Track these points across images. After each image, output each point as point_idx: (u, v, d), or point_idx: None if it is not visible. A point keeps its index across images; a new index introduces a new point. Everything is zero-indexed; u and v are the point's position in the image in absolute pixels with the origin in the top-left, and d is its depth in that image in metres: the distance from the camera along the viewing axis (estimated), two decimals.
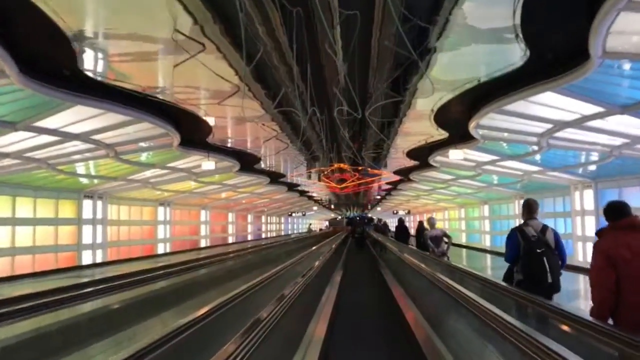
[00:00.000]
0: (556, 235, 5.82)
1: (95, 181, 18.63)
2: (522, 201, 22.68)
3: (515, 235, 5.84)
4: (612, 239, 4.18)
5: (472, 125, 12.73)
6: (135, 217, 24.61)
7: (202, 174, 20.62)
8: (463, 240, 36.28)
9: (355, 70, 8.65)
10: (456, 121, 13.45)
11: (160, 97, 10.34)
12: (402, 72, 9.19)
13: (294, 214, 58.65)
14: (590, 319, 3.87)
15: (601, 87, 9.02)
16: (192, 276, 12.95)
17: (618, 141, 12.16)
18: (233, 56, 7.72)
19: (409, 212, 52.94)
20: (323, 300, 9.89)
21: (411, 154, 19.43)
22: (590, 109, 9.85)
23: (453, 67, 9.19)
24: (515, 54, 7.95)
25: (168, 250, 26.32)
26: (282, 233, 59.20)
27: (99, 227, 19.76)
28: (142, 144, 14.42)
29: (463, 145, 14.96)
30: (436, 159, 18.87)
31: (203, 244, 32.70)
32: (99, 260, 19.35)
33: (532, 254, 5.63)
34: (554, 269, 5.57)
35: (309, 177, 26.19)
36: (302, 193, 39.54)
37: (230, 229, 39.67)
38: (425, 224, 15.52)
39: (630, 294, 3.94)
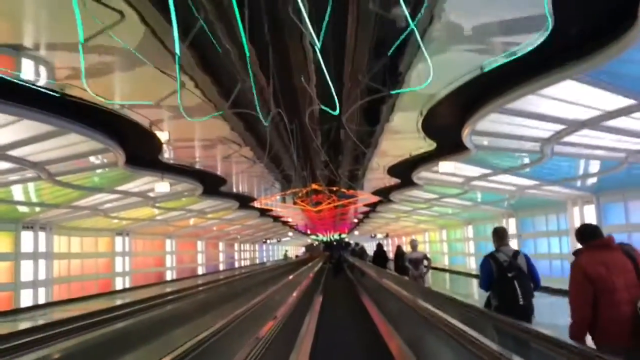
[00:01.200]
0: (528, 259, 5.99)
1: (37, 209, 16.30)
2: (510, 220, 21.36)
3: (488, 262, 5.99)
4: (588, 257, 4.42)
5: (465, 132, 10.94)
6: (89, 249, 22.15)
7: (159, 198, 18.47)
8: (445, 263, 34.50)
9: (330, 54, 6.76)
10: (446, 128, 11.65)
11: (86, 100, 8.26)
12: (388, 59, 7.33)
13: (268, 241, 56.51)
14: (563, 339, 3.99)
15: (637, 70, 7.25)
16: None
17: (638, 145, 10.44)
18: (165, 30, 5.75)
19: (387, 236, 51.23)
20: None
21: (392, 170, 17.61)
22: (617, 102, 8.07)
23: (451, 51, 7.36)
24: (535, 26, 6.15)
25: (127, 285, 23.82)
26: (257, 261, 56.85)
27: (42, 262, 17.28)
28: (80, 164, 12.26)
29: (454, 157, 13.15)
30: (420, 175, 17.08)
31: (169, 276, 30.24)
32: (41, 300, 16.86)
33: (505, 279, 5.80)
34: (525, 291, 5.76)
35: (283, 200, 24.17)
36: (276, 219, 37.46)
37: (200, 258, 37.18)
38: (406, 248, 15.27)
39: (606, 308, 4.18)
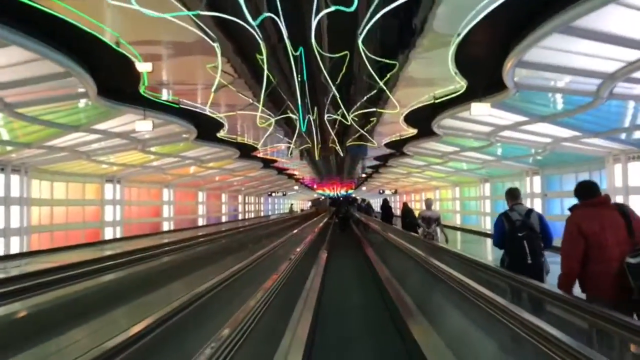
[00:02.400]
0: (541, 218, 6.10)
1: (9, 148, 14.44)
2: (534, 177, 19.39)
3: (501, 221, 6.15)
4: (583, 214, 4.56)
5: (509, 64, 8.88)
6: (75, 195, 20.42)
7: (149, 142, 16.59)
8: (457, 222, 32.77)
9: None
10: (484, 58, 9.65)
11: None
12: None
13: (274, 194, 55.03)
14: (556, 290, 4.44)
15: None
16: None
17: None
18: None
19: (395, 192, 49.45)
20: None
21: (410, 117, 15.58)
22: None
23: None
24: None
25: (118, 235, 22.22)
26: (262, 214, 55.55)
27: (15, 208, 15.53)
28: (44, 93, 10.33)
29: (487, 99, 11.11)
30: (442, 123, 15.06)
31: (166, 226, 28.71)
32: (15, 250, 15.21)
33: (514, 238, 5.95)
34: (534, 250, 5.87)
35: (289, 151, 22.16)
36: (281, 171, 35.61)
37: (201, 209, 35.59)
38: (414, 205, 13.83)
39: (595, 263, 4.38)
